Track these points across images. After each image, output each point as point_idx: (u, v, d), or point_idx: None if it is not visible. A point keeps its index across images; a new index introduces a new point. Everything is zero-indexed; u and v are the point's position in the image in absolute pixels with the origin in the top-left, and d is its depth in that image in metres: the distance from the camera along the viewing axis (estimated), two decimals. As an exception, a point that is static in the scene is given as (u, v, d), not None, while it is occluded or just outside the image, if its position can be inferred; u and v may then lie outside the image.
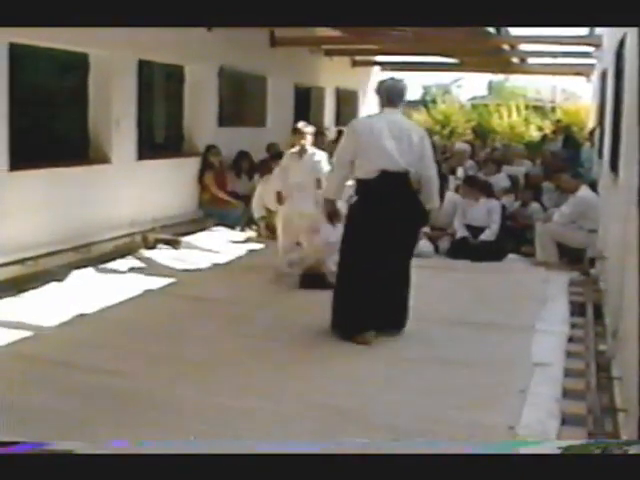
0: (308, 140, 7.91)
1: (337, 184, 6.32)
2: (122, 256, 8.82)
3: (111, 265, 8.43)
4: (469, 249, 9.60)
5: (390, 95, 6.11)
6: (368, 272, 6.01)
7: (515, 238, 9.94)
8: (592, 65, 15.57)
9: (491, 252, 9.50)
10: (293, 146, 7.99)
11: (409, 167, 5.99)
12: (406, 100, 6.31)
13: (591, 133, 14.39)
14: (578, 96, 26.08)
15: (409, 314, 6.24)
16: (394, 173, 5.94)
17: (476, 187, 10.11)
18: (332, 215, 6.49)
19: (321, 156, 7.92)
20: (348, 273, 6.15)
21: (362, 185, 6.10)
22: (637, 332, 3.94)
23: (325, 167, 7.62)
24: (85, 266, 8.16)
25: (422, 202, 6.15)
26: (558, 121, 18.04)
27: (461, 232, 9.83)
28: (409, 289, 6.25)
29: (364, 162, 6.00)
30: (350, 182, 6.56)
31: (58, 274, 7.74)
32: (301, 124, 8.06)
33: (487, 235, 9.68)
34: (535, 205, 10.56)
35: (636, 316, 4.02)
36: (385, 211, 5.97)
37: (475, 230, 9.77)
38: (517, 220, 10.41)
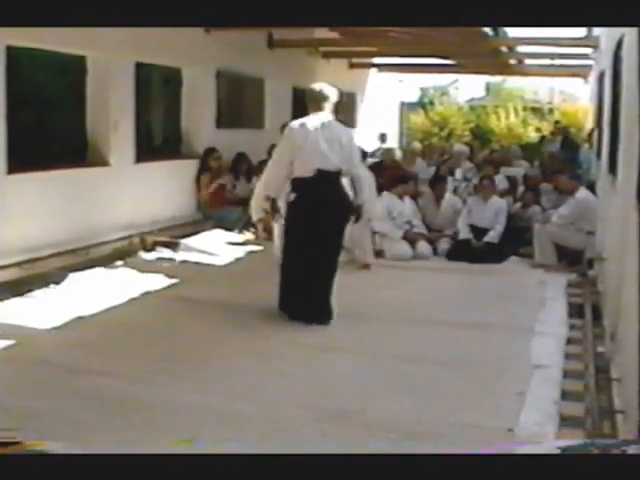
0: None
1: (278, 183, 6.80)
2: (120, 258, 8.81)
3: (109, 267, 8.42)
4: (469, 251, 9.59)
5: (318, 101, 6.74)
6: (307, 263, 6.60)
7: (514, 240, 9.94)
8: (590, 66, 15.57)
9: (492, 254, 9.50)
10: None
11: (341, 166, 6.63)
12: (334, 103, 6.81)
13: (589, 134, 14.40)
14: (576, 97, 26.05)
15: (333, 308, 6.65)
16: (328, 172, 6.57)
17: (494, 184, 10.19)
18: (274, 211, 6.95)
19: None
20: (291, 263, 6.71)
21: (300, 183, 6.63)
22: (636, 334, 3.94)
23: None
24: (83, 269, 8.15)
25: (351, 197, 6.80)
26: (557, 122, 18.04)
27: (465, 233, 9.81)
28: (333, 284, 6.71)
29: (302, 162, 6.57)
30: None
31: (56, 277, 7.73)
32: None
33: (491, 237, 9.69)
34: (535, 207, 10.56)
35: (635, 318, 4.01)
36: (321, 205, 6.58)
37: (478, 231, 9.77)
38: (516, 222, 10.41)
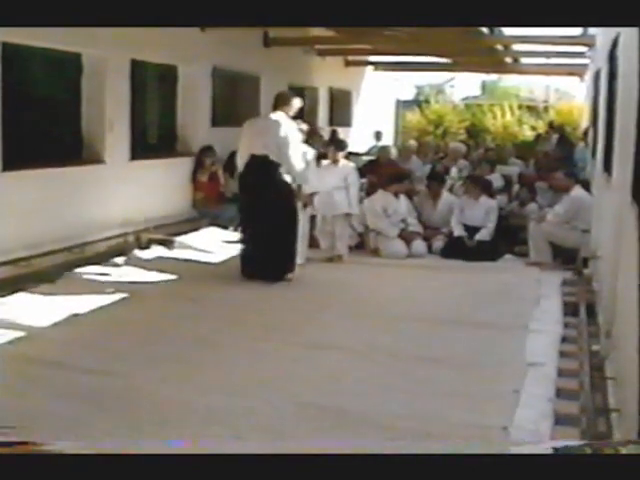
0: (340, 155, 9.57)
1: (238, 166, 8.40)
2: (115, 256, 8.80)
3: (104, 265, 8.41)
4: (464, 249, 9.60)
5: (274, 102, 8.30)
6: (252, 230, 8.14)
7: (509, 238, 9.95)
8: (585, 65, 15.59)
9: (487, 252, 9.51)
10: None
11: (268, 153, 7.92)
12: (292, 105, 8.25)
13: (585, 133, 14.40)
14: (571, 96, 26.05)
15: (294, 266, 8.07)
16: (258, 156, 7.97)
17: (479, 186, 10.16)
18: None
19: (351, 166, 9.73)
20: (243, 231, 8.45)
21: (244, 166, 8.20)
22: (635, 331, 3.93)
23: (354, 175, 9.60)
24: (78, 266, 8.15)
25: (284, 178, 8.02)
26: (551, 123, 17.95)
27: (458, 231, 9.82)
28: (293, 244, 8.07)
29: (242, 149, 8.25)
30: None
31: (51, 274, 7.72)
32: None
33: (483, 235, 9.69)
34: (532, 205, 10.57)
35: (631, 315, 4.02)
36: (255, 182, 8.03)
37: (471, 230, 9.78)
38: (512, 220, 10.42)
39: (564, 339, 6.27)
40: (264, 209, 7.96)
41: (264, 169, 8.00)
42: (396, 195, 9.93)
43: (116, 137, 9.63)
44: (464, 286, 8.20)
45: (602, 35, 10.13)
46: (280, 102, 8.25)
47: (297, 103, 8.34)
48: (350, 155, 11.26)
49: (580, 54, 14.85)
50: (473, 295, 7.74)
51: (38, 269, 7.88)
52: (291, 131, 8.09)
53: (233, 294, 7.50)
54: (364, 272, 8.86)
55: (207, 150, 11.42)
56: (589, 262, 8.41)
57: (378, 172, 11.34)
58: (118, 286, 7.59)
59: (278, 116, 8.08)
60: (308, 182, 8.42)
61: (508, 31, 13.57)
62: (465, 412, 4.63)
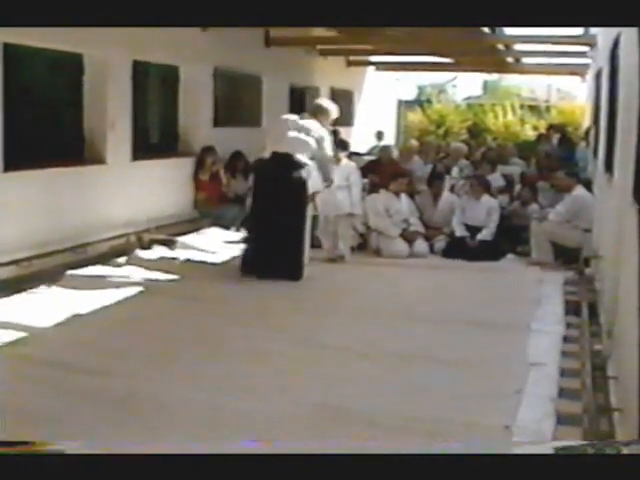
0: (342, 155, 9.71)
1: None
2: (117, 256, 8.80)
3: (107, 265, 8.41)
4: (465, 249, 9.59)
5: (310, 108, 8.83)
6: (264, 228, 8.09)
7: (511, 238, 9.94)
8: (587, 65, 15.58)
9: (489, 252, 9.51)
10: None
11: (293, 152, 8.10)
12: (323, 111, 8.59)
13: (587, 133, 14.39)
14: (573, 95, 26.07)
15: (303, 269, 8.06)
16: (280, 153, 8.14)
17: (483, 185, 10.16)
18: None
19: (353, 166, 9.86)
20: (253, 228, 8.46)
21: (263, 161, 8.50)
22: (635, 331, 3.93)
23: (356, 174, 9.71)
24: (80, 267, 8.15)
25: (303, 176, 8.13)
26: (550, 125, 17.90)
27: (460, 231, 9.81)
28: (302, 246, 8.10)
29: (268, 146, 8.42)
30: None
31: (53, 275, 7.72)
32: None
33: (484, 235, 9.69)
34: (534, 205, 10.56)
35: (632, 315, 4.01)
36: (271, 178, 8.16)
37: (472, 229, 9.77)
38: (513, 220, 10.41)
39: (566, 339, 6.27)
40: (276, 207, 8.00)
41: (284, 166, 8.10)
42: (397, 194, 9.92)
43: (118, 137, 9.64)
44: (466, 286, 8.20)
45: (603, 34, 10.11)
46: (316, 110, 8.59)
47: (334, 113, 8.74)
48: (352, 155, 11.27)
49: (581, 53, 14.84)
50: (475, 295, 7.74)
51: (40, 269, 7.88)
52: (325, 136, 8.37)
53: (235, 294, 7.50)
54: (366, 272, 8.86)
55: (208, 150, 11.44)
56: (591, 262, 8.40)
57: (380, 172, 11.34)
58: (120, 286, 7.58)
59: (311, 123, 8.34)
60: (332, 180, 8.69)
61: (509, 31, 13.57)
62: (467, 412, 4.62)
